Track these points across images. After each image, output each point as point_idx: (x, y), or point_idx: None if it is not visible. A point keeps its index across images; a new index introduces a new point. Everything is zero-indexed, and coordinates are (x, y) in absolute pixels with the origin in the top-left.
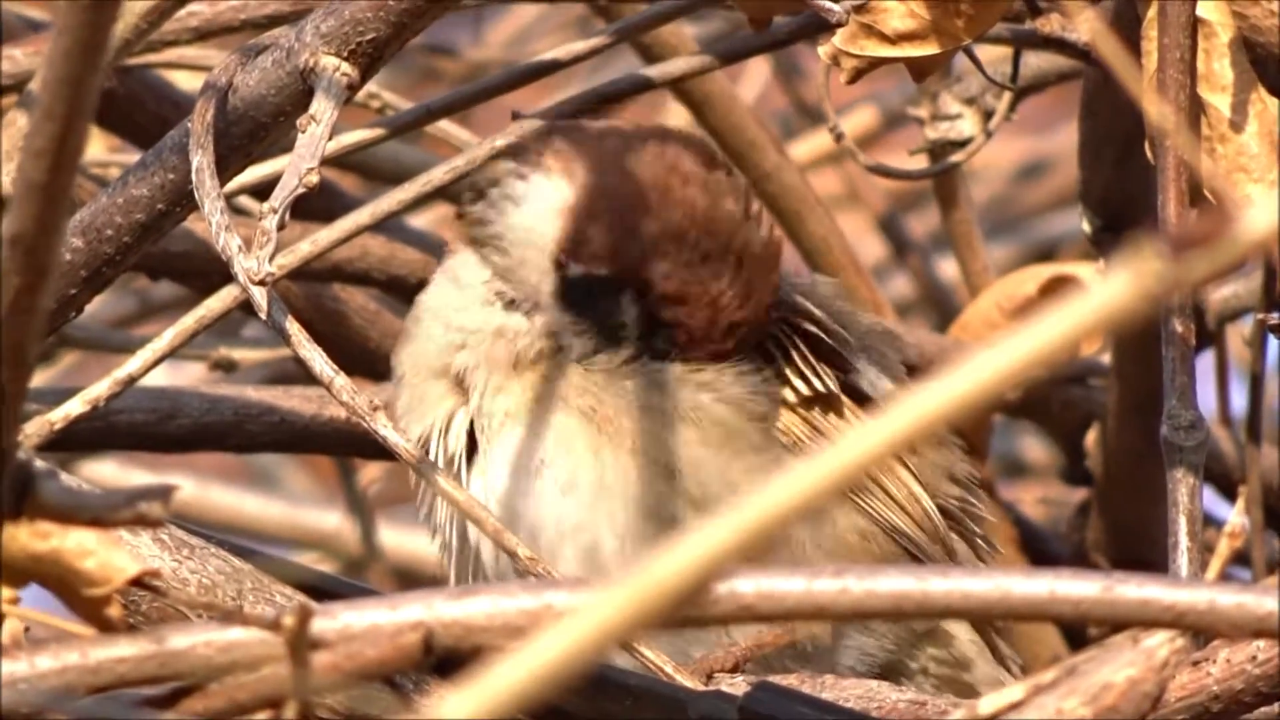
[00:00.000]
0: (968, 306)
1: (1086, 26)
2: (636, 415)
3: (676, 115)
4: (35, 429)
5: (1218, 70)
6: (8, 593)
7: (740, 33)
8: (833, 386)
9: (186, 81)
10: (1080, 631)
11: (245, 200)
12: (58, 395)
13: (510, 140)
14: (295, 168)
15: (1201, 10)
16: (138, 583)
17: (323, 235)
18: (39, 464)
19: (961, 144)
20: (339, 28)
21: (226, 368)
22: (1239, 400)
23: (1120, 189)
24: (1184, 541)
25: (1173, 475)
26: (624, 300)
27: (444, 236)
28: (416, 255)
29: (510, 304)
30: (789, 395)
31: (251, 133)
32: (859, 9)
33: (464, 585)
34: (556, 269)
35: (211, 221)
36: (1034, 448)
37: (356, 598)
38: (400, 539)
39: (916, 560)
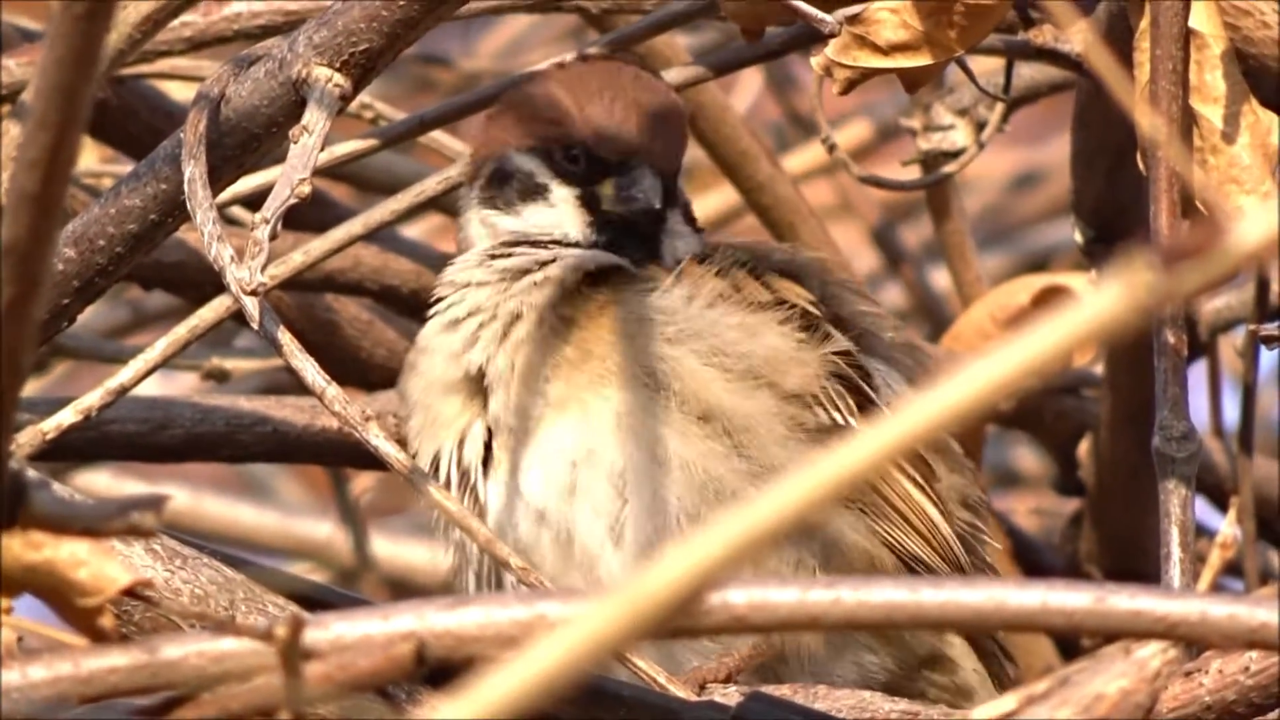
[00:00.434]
0: (960, 317)
1: (1079, 38)
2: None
3: None
4: (28, 438)
5: (1210, 82)
6: (2, 602)
7: (733, 44)
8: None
9: (179, 92)
10: (1073, 642)
11: (238, 210)
12: (50, 405)
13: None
14: (288, 178)
15: (1194, 22)
16: (130, 593)
17: (315, 245)
18: (31, 474)
19: (954, 155)
20: (332, 39)
21: (219, 378)
22: (1231, 411)
23: (1112, 200)
24: (1176, 552)
25: (1165, 486)
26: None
27: (437, 247)
28: (409, 265)
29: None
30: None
31: (244, 143)
32: (852, 20)
33: (456, 596)
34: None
35: (204, 232)
36: (1027, 458)
37: (349, 608)
38: (393, 549)
39: None
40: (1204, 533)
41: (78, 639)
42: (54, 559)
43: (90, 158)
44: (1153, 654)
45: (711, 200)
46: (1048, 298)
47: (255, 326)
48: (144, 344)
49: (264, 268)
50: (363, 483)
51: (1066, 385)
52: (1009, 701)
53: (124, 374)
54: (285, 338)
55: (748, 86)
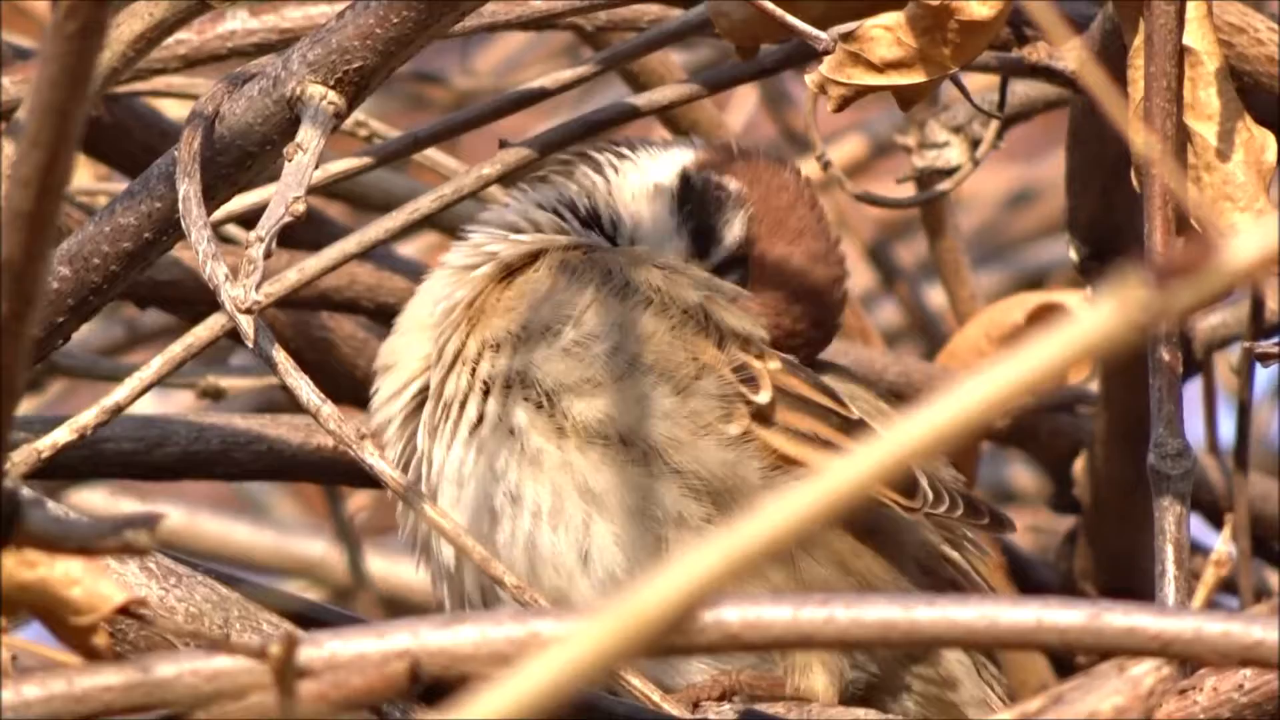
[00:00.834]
0: (956, 334)
1: (1073, 55)
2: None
3: None
4: (23, 457)
5: (1204, 99)
6: None
7: (728, 61)
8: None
9: (174, 110)
10: (1068, 659)
11: (232, 229)
12: (45, 423)
13: (499, 169)
14: (282, 196)
15: (1188, 39)
16: (125, 611)
17: (310, 263)
18: (26, 492)
19: (949, 172)
20: (326, 56)
21: (214, 396)
22: (1226, 428)
23: (1107, 217)
24: (1171, 570)
25: (1160, 503)
26: (734, 217)
27: (432, 265)
28: (404, 283)
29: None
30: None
31: (238, 161)
32: (846, 37)
33: (451, 613)
34: (681, 178)
35: (199, 250)
36: (1022, 475)
37: (343, 626)
38: (388, 567)
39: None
40: (1199, 550)
41: (72, 657)
42: (48, 577)
43: (85, 175)
44: (1147, 671)
45: None
46: (1043, 315)
47: (250, 345)
48: (139, 362)
49: (259, 286)
50: (358, 501)
51: (1061, 402)
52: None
53: (119, 392)
54: (280, 356)
55: (743, 104)
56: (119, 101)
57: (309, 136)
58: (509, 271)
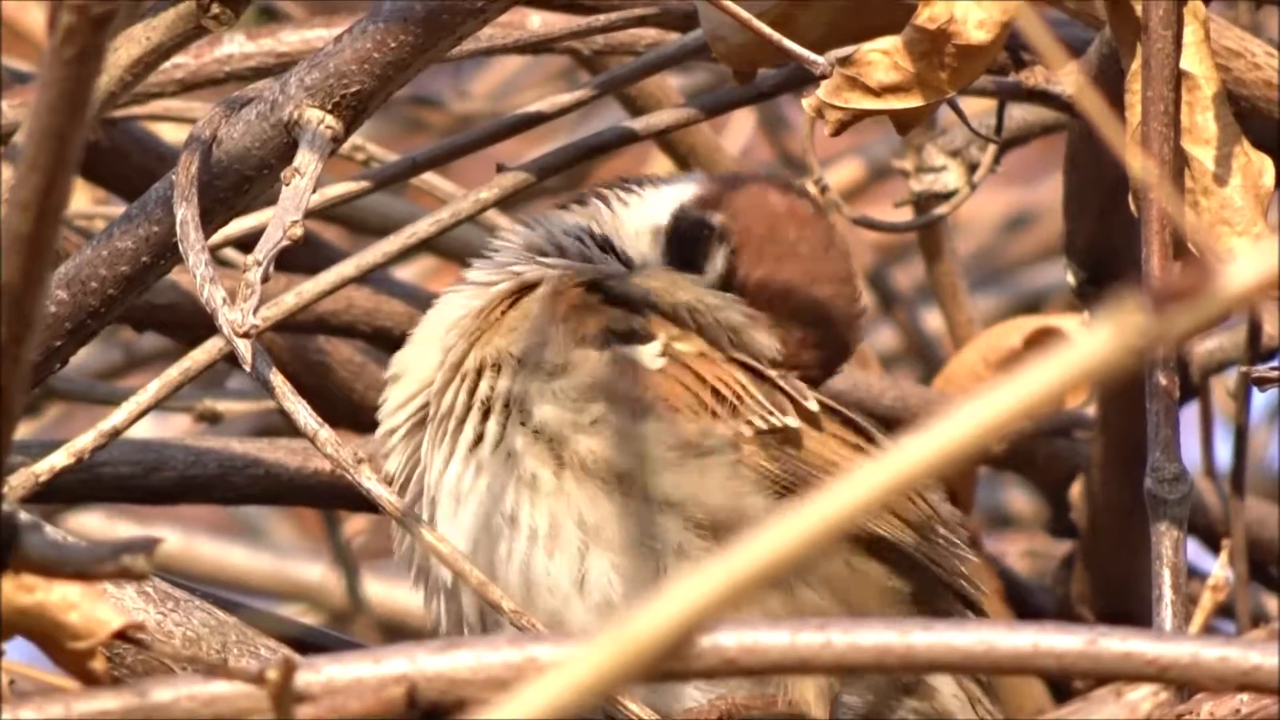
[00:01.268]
0: (953, 358)
1: (1070, 80)
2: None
3: (661, 167)
4: (20, 481)
5: (1202, 123)
6: None
7: (725, 85)
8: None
9: (171, 133)
10: (1065, 684)
11: (230, 252)
12: (43, 447)
13: (496, 193)
14: (279, 220)
15: (1186, 63)
16: (122, 636)
17: (307, 287)
18: (24, 516)
19: (946, 196)
20: (323, 80)
21: (211, 420)
22: (1224, 453)
23: (1105, 241)
24: (1168, 594)
25: (1157, 528)
26: (716, 250)
27: (429, 289)
28: (401, 307)
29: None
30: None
31: (236, 185)
32: (843, 61)
33: (448, 638)
34: (672, 216)
35: (196, 274)
36: (1019, 500)
37: (341, 650)
38: (385, 591)
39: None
40: (1196, 575)
41: (69, 682)
42: (45, 602)
43: (82, 199)
44: (1144, 696)
45: None
46: (1040, 339)
47: (247, 369)
48: (136, 386)
49: (256, 310)
50: (355, 525)
51: (1058, 427)
52: None
53: (116, 416)
54: (277, 380)
55: (740, 128)
56: (117, 125)
57: (306, 160)
58: (522, 290)
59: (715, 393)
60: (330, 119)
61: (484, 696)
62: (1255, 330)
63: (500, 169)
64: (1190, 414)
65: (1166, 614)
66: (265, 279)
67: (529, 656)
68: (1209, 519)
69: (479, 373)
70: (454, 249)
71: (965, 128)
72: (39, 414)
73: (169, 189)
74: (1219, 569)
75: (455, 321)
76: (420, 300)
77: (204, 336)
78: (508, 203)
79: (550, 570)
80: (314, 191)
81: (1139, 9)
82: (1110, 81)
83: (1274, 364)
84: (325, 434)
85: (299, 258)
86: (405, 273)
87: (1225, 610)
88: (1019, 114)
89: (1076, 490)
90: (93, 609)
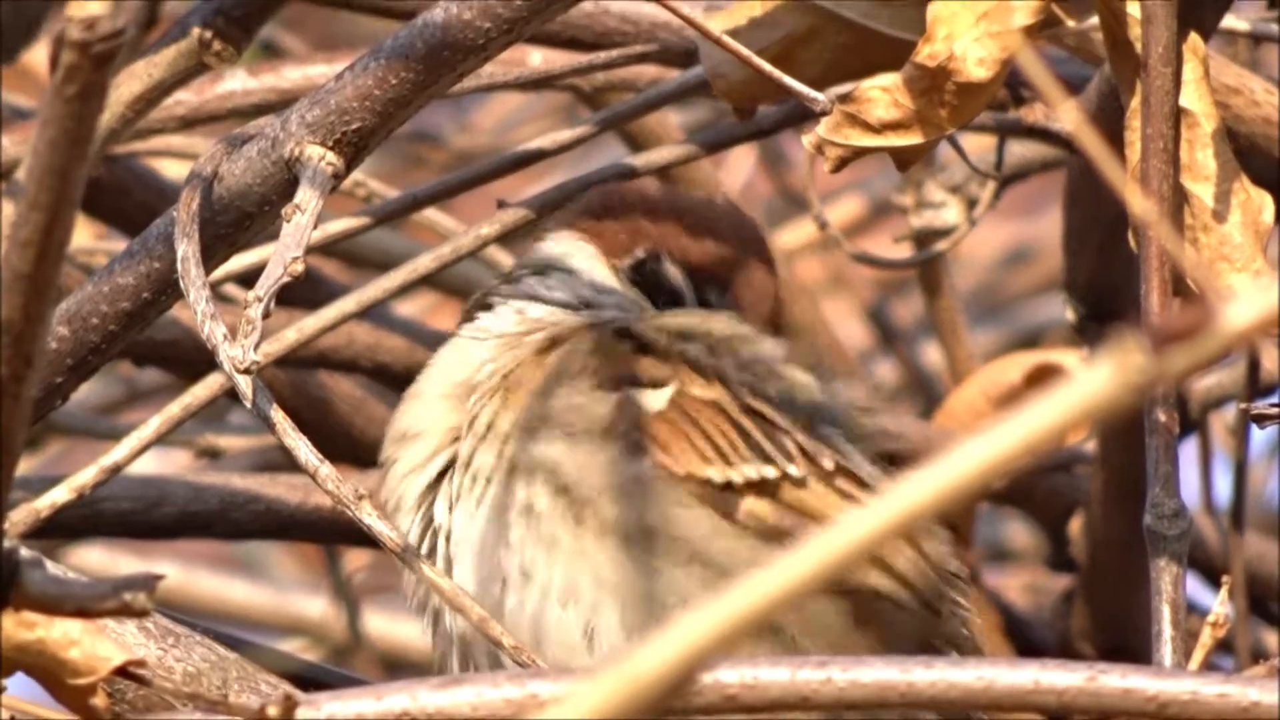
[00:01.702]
0: (952, 394)
1: (1069, 116)
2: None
3: None
4: (22, 516)
5: (1201, 160)
6: None
7: (725, 122)
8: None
9: (172, 169)
10: None
11: (231, 288)
12: (44, 483)
13: (497, 229)
14: (280, 256)
15: (1185, 100)
16: (123, 672)
17: (308, 323)
18: (25, 552)
19: (946, 232)
20: (324, 117)
21: (212, 455)
22: (1223, 488)
23: (1104, 277)
24: (1167, 630)
25: (1156, 564)
26: (673, 275)
27: (430, 325)
28: (402, 343)
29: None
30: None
31: (237, 221)
32: (843, 98)
33: (449, 675)
34: (631, 260)
35: (197, 310)
36: (1019, 535)
37: (342, 687)
38: (386, 626)
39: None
40: (1196, 610)
41: (70, 718)
42: (46, 638)
43: (83, 235)
44: None
45: None
46: (1040, 375)
47: (248, 404)
48: (137, 421)
49: (257, 345)
50: (356, 561)
51: (1058, 463)
52: None
53: (118, 451)
54: (278, 416)
55: (740, 164)
56: (118, 161)
57: (307, 197)
58: (550, 346)
59: (714, 444)
60: (331, 156)
61: None
62: (1254, 366)
63: (501, 205)
64: (1190, 449)
65: (1166, 650)
66: (266, 315)
67: (530, 693)
68: (1209, 554)
69: (509, 433)
70: (455, 285)
71: (965, 164)
72: (40, 449)
73: (170, 225)
74: (1219, 605)
75: (475, 380)
76: (421, 336)
77: (205, 372)
78: (509, 239)
79: (562, 622)
80: (315, 228)
81: (1138, 46)
82: (1110, 118)
83: (1273, 400)
84: (326, 470)
85: (300, 293)
86: (406, 308)
87: (1225, 646)
88: (1018, 150)
89: (1076, 525)
90: (94, 645)
